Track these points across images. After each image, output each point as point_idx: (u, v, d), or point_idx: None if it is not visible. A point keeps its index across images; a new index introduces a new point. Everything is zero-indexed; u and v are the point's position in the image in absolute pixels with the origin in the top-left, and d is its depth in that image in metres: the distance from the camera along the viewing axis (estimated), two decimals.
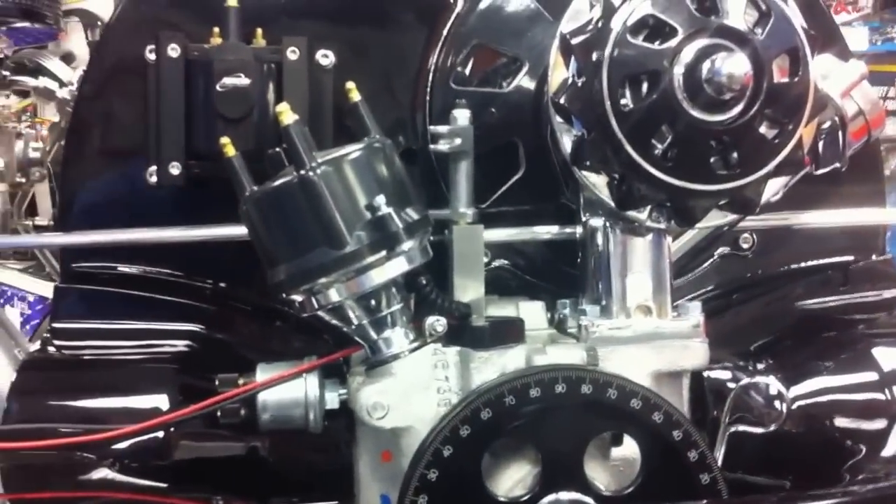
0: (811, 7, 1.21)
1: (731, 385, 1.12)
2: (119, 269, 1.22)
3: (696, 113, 0.94)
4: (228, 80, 1.11)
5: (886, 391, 1.16)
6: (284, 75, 1.14)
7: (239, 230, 1.10)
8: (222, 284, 1.24)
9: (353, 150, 1.00)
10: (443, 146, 1.11)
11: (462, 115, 1.12)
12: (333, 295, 1.00)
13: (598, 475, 1.02)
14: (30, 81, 1.41)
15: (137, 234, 1.19)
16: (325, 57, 1.18)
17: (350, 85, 1.06)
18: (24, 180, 1.32)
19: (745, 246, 1.30)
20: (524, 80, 1.20)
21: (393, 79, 1.24)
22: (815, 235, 1.31)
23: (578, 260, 1.17)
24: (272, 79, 1.14)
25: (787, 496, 1.14)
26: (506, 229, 1.19)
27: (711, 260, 1.31)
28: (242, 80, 1.11)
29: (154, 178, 1.16)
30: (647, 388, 1.00)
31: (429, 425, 1.03)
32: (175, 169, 1.14)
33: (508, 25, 1.22)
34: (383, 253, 0.98)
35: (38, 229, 1.39)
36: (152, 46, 1.14)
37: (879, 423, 1.14)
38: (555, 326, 1.15)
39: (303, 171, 0.97)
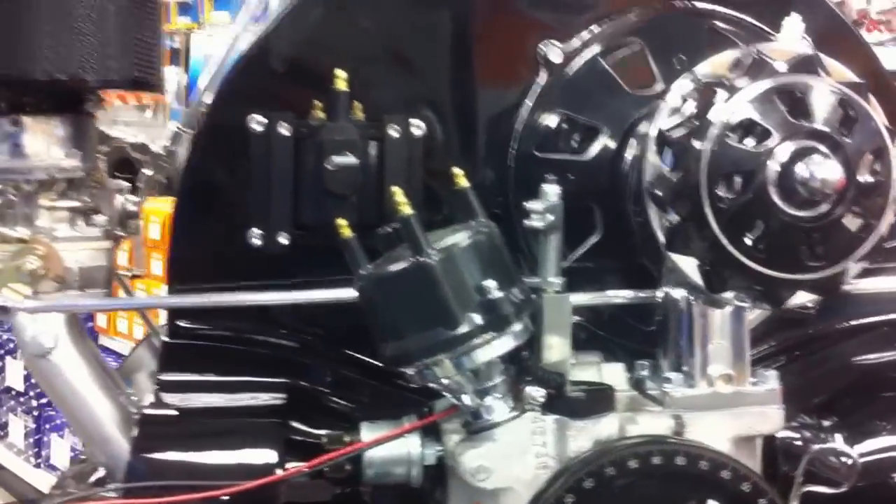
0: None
1: (800, 444, 1.21)
2: (222, 324, 1.30)
3: (788, 209, 1.02)
4: (337, 159, 1.18)
5: None
6: (386, 151, 1.21)
7: (337, 293, 1.20)
8: (315, 338, 1.32)
9: (464, 238, 1.07)
10: (536, 222, 1.18)
11: (553, 192, 1.18)
12: (445, 370, 1.08)
13: None
14: (127, 137, 1.48)
15: (240, 297, 1.27)
16: (418, 129, 1.25)
17: (458, 171, 1.13)
18: (123, 234, 1.39)
19: (809, 305, 1.37)
20: (602, 147, 1.28)
21: (478, 146, 1.31)
22: (871, 294, 1.38)
23: (655, 322, 1.25)
24: (375, 155, 1.21)
25: None
26: (587, 294, 1.25)
27: (773, 316, 1.38)
28: (350, 159, 1.18)
29: (258, 242, 1.23)
30: (735, 460, 1.09)
31: (527, 486, 1.12)
32: (283, 238, 1.21)
33: (588, 96, 1.29)
34: (493, 333, 1.06)
35: (136, 279, 1.45)
36: (258, 118, 1.22)
37: None
38: (633, 386, 1.23)
39: (421, 259, 1.05)
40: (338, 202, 1.19)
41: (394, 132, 1.22)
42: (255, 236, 1.24)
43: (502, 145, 1.29)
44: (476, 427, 1.12)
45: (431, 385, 1.12)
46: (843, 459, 1.17)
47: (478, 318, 1.06)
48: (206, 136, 1.29)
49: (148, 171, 1.45)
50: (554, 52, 1.29)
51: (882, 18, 2.76)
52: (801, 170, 1.00)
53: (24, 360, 1.29)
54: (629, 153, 1.24)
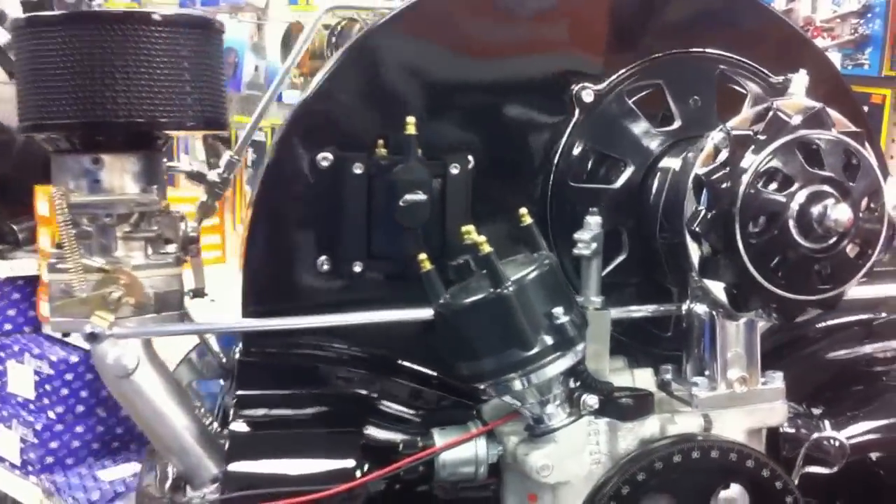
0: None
1: (801, 432, 1.43)
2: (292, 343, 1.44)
3: (805, 243, 1.23)
4: (409, 197, 1.34)
5: None
6: (448, 187, 1.38)
7: (405, 314, 1.36)
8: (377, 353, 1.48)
9: (533, 270, 1.25)
10: (583, 250, 1.36)
11: (595, 222, 1.37)
12: (517, 385, 1.26)
13: None
14: (183, 166, 1.60)
15: (306, 321, 1.41)
16: (469, 163, 1.42)
17: (523, 210, 1.31)
18: (186, 258, 1.51)
19: None
20: (628, 178, 1.47)
21: (519, 179, 1.48)
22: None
23: (674, 331, 1.45)
24: (438, 191, 1.38)
25: None
26: (622, 308, 1.43)
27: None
28: (420, 197, 1.34)
29: (327, 268, 1.39)
30: (756, 451, 1.30)
31: (583, 480, 1.31)
32: (358, 267, 1.37)
33: (616, 133, 1.48)
34: (560, 352, 1.25)
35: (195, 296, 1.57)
36: (326, 155, 1.37)
37: None
38: (660, 388, 1.43)
39: (500, 290, 1.22)
40: (407, 235, 1.35)
41: (454, 170, 1.38)
42: (325, 263, 1.40)
43: (543, 178, 1.47)
44: (539, 431, 1.30)
45: (501, 397, 1.30)
46: (835, 444, 1.39)
47: (548, 340, 1.24)
48: (274, 169, 1.43)
49: (203, 198, 1.58)
50: (587, 93, 1.47)
51: (826, 26, 3.02)
52: (816, 211, 1.21)
53: (107, 382, 1.41)
54: (653, 183, 1.44)
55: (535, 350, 1.23)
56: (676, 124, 1.48)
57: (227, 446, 1.36)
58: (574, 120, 1.47)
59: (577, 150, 1.47)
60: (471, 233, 1.26)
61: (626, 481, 1.26)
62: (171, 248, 1.46)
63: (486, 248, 1.24)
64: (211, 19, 1.36)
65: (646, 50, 1.51)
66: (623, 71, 1.49)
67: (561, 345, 1.24)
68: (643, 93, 1.50)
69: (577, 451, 1.31)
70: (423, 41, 1.43)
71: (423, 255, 1.28)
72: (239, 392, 1.42)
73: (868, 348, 1.61)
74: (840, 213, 1.20)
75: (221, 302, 1.56)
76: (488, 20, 1.45)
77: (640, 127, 1.48)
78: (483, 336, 1.25)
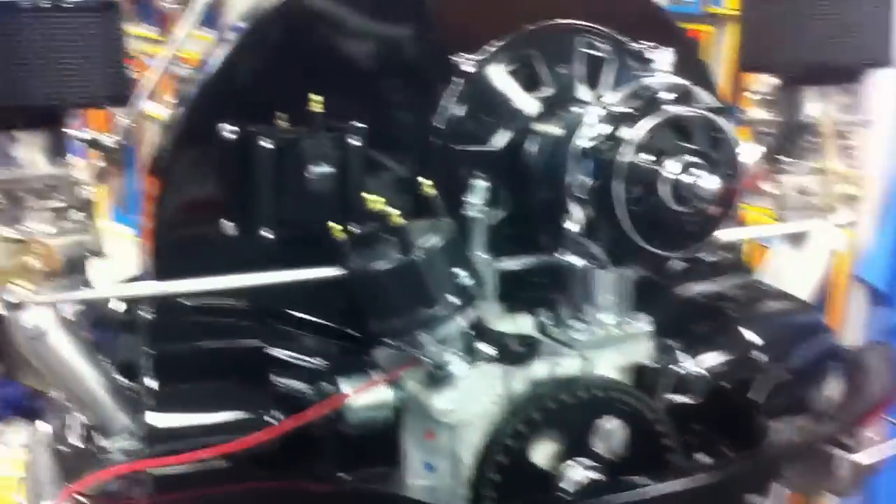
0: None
1: (661, 366, 1.62)
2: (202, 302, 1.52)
3: (677, 208, 1.39)
4: (316, 169, 1.43)
5: (755, 357, 1.68)
6: (349, 158, 1.47)
7: (316, 273, 1.46)
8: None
9: (438, 238, 1.37)
10: (472, 212, 1.49)
11: (481, 186, 1.50)
12: (423, 339, 1.39)
13: (601, 446, 1.49)
14: (81, 134, 1.62)
15: (230, 280, 1.48)
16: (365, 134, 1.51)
17: (427, 182, 1.42)
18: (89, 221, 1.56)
19: None
20: (506, 140, 1.60)
21: (407, 145, 1.58)
22: None
23: (550, 280, 1.61)
24: (341, 161, 1.47)
25: None
26: (503, 260, 1.58)
27: None
28: (326, 168, 1.43)
29: (233, 233, 1.48)
30: (629, 386, 1.49)
31: (482, 419, 1.46)
32: (268, 233, 1.46)
33: (494, 99, 1.60)
34: (463, 309, 1.38)
35: None
36: (229, 127, 1.44)
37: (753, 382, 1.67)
38: (539, 331, 1.59)
39: (410, 257, 1.34)
40: (314, 203, 1.45)
41: (354, 141, 1.48)
42: (230, 228, 1.48)
43: (429, 143, 1.58)
44: (441, 377, 1.44)
45: (406, 349, 1.43)
46: (696, 375, 1.60)
47: (453, 300, 1.37)
48: (181, 139, 1.48)
49: (100, 164, 1.61)
50: (466, 63, 1.58)
51: None
52: (688, 180, 1.37)
53: (23, 345, 1.46)
54: (530, 145, 1.57)
55: (441, 309, 1.36)
56: (548, 91, 1.62)
57: (146, 399, 1.43)
58: (456, 89, 1.58)
59: (459, 116, 1.58)
60: (380, 203, 1.37)
61: (524, 421, 1.42)
62: (78, 215, 1.50)
63: (399, 221, 1.35)
64: (110, 2, 1.39)
65: (518, 23, 1.62)
66: (499, 42, 1.61)
67: (463, 303, 1.38)
68: (517, 62, 1.62)
69: (475, 393, 1.46)
70: (317, 20, 1.50)
71: (333, 224, 1.38)
72: (151, 349, 1.49)
73: (715, 286, 1.81)
74: (708, 182, 1.37)
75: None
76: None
77: (515, 93, 1.60)
78: (394, 298, 1.37)
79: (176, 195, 1.50)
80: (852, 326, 3.25)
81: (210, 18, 2.41)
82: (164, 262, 1.51)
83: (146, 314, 1.53)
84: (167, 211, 1.50)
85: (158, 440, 1.40)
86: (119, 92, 1.44)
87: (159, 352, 1.48)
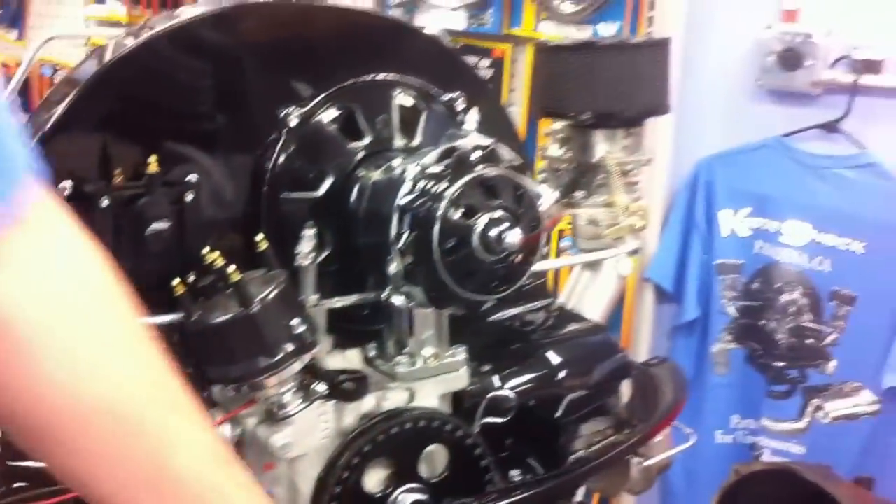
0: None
1: (475, 390, 1.81)
2: None
3: (487, 257, 1.57)
4: (155, 226, 1.52)
5: (558, 376, 1.89)
6: (186, 213, 1.57)
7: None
8: None
9: (273, 289, 1.49)
10: (302, 261, 1.61)
11: (310, 235, 1.62)
12: (261, 384, 1.51)
13: (426, 471, 1.66)
14: None
15: None
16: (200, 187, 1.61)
17: (260, 237, 1.54)
18: None
19: None
20: (329, 186, 1.73)
21: (242, 195, 1.69)
22: None
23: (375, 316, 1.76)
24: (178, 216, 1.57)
25: None
26: (330, 300, 1.71)
27: None
28: (165, 225, 1.53)
29: None
30: (448, 414, 1.66)
31: (317, 452, 1.60)
32: None
33: (318, 148, 1.73)
34: (298, 355, 1.51)
35: None
36: (65, 184, 1.51)
37: (556, 399, 1.88)
38: (367, 364, 1.74)
39: (248, 310, 1.46)
40: (153, 258, 1.54)
41: (190, 196, 1.57)
42: None
43: (260, 191, 1.69)
44: (279, 416, 1.57)
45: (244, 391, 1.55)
46: (505, 397, 1.79)
47: (289, 347, 1.50)
48: None
49: None
50: (292, 116, 1.70)
51: None
52: (495, 234, 1.55)
53: None
54: (351, 189, 1.71)
55: (278, 357, 1.49)
56: (367, 140, 1.76)
57: None
58: (283, 139, 1.70)
59: (286, 165, 1.71)
60: (217, 259, 1.48)
61: (356, 453, 1.57)
62: None
63: (236, 277, 1.47)
64: None
65: (339, 79, 1.76)
66: (322, 96, 1.74)
67: (299, 349, 1.51)
68: (339, 114, 1.75)
69: (311, 429, 1.59)
70: (150, 79, 1.59)
71: (177, 282, 1.48)
72: None
73: (520, 310, 2.01)
74: (513, 235, 1.55)
75: None
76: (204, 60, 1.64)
77: (337, 142, 1.74)
78: (233, 348, 1.48)
79: None
80: (642, 323, 3.57)
81: None
82: None
83: None
84: None
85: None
86: None
87: None
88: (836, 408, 3.37)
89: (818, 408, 3.38)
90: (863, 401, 3.33)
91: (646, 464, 2.01)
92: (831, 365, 3.35)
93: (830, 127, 3.24)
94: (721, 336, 3.50)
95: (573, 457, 1.82)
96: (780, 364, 3.42)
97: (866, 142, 3.20)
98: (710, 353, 3.52)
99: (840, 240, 3.24)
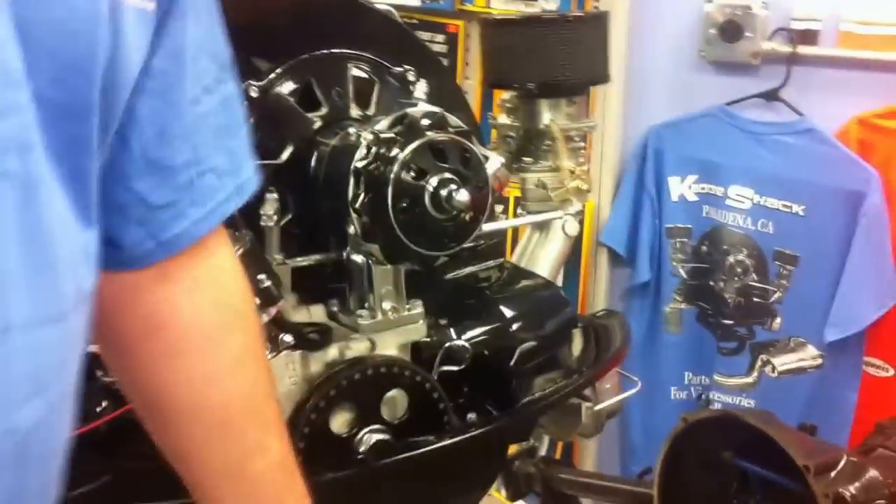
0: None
1: (432, 341, 1.95)
2: None
3: (438, 216, 1.71)
4: None
5: (510, 328, 2.04)
6: None
7: None
8: None
9: (240, 247, 1.62)
10: (267, 223, 1.74)
11: (272, 198, 1.75)
12: None
13: (388, 413, 1.80)
14: None
15: None
16: None
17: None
18: None
19: None
20: (290, 153, 1.86)
21: None
22: None
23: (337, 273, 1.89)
24: None
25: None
26: (294, 259, 1.84)
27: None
28: None
29: None
30: (410, 363, 1.80)
31: (286, 397, 1.74)
32: None
33: (279, 118, 1.86)
34: (266, 308, 1.65)
35: None
36: None
37: (510, 349, 2.02)
38: (329, 318, 1.87)
39: None
40: None
41: None
42: None
43: None
44: None
45: None
46: (461, 347, 1.93)
47: (256, 300, 1.63)
48: None
49: None
50: (252, 89, 1.83)
51: None
52: (445, 194, 1.69)
53: None
54: (311, 156, 1.84)
55: None
56: (324, 110, 1.89)
57: None
58: (247, 110, 1.82)
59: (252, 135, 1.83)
60: None
61: (322, 397, 1.71)
62: None
63: None
64: None
65: (296, 52, 1.88)
66: (279, 70, 1.87)
67: (266, 302, 1.64)
68: (296, 86, 1.88)
69: (279, 377, 1.73)
70: None
71: None
72: None
73: (475, 268, 2.15)
74: (461, 195, 1.69)
75: None
76: None
77: (295, 113, 1.87)
78: None
79: None
80: (598, 286, 3.73)
81: None
82: None
83: None
84: None
85: None
86: None
87: None
88: (782, 362, 3.54)
89: (766, 363, 3.55)
90: (807, 355, 3.50)
91: (596, 408, 2.16)
92: (777, 322, 3.51)
93: (770, 95, 3.39)
94: (672, 297, 3.67)
95: (524, 400, 1.97)
96: (729, 322, 3.59)
97: (804, 109, 3.35)
98: (662, 313, 3.68)
99: (781, 203, 3.40)
